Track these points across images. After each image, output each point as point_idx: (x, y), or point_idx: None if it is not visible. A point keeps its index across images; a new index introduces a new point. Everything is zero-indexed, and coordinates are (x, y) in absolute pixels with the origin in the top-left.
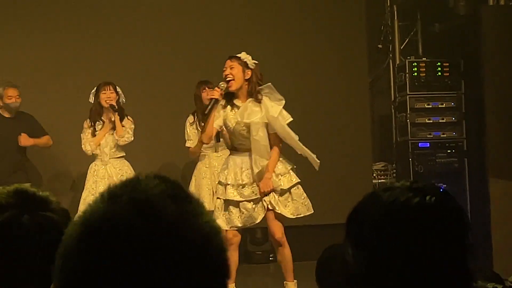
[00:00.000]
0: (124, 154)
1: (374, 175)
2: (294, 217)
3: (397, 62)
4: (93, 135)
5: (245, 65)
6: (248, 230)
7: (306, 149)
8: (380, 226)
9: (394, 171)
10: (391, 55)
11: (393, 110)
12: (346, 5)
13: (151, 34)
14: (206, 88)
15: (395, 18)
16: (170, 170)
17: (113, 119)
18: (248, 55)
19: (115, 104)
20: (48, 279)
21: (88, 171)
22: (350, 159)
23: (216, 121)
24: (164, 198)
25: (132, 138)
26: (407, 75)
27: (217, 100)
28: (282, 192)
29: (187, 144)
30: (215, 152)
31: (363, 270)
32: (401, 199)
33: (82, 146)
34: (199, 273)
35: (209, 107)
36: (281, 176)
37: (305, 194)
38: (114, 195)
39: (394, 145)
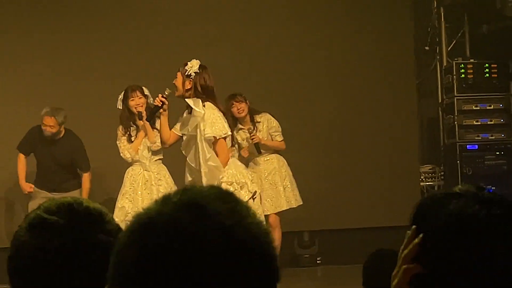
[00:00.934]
0: (162, 157)
1: (422, 177)
2: None
3: (444, 64)
4: (130, 141)
5: (186, 75)
6: (296, 233)
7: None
8: (445, 238)
9: (442, 173)
10: (438, 57)
11: (440, 112)
12: (393, 7)
13: (186, 39)
14: (234, 103)
15: (442, 19)
16: None
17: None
18: (196, 63)
19: (143, 110)
20: None
21: (125, 176)
22: (397, 162)
23: (176, 126)
24: (214, 199)
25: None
26: (454, 77)
27: (157, 107)
28: None
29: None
30: (261, 156)
31: (429, 278)
32: (468, 211)
33: (121, 154)
34: (248, 274)
35: (150, 113)
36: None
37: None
38: (166, 198)
39: (441, 148)
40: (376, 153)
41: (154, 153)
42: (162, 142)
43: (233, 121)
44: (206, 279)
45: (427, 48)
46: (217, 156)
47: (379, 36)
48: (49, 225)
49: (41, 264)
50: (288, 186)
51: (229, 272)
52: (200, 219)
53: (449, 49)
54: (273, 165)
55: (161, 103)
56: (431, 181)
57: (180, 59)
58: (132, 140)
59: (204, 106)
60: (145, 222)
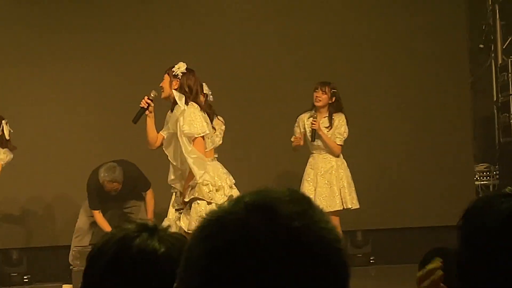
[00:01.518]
0: (216, 156)
1: (477, 176)
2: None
3: (499, 61)
4: None
5: (173, 76)
6: (349, 232)
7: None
8: (497, 237)
9: (497, 172)
10: (493, 55)
11: (495, 111)
12: (448, 5)
13: (242, 38)
14: (316, 90)
15: (497, 17)
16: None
17: None
18: (183, 65)
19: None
20: None
21: None
22: (451, 161)
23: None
24: (285, 202)
25: (221, 142)
26: (509, 74)
27: (143, 108)
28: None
29: (292, 139)
30: (320, 154)
31: (479, 276)
32: None
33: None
34: (315, 279)
35: (136, 115)
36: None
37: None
38: (239, 197)
39: (497, 146)
40: (431, 152)
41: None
42: (149, 144)
43: (313, 107)
44: (271, 281)
45: (481, 46)
46: None
47: (433, 35)
48: None
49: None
50: (345, 187)
51: (294, 275)
52: (269, 220)
53: (504, 46)
54: (331, 164)
55: (146, 104)
56: (486, 180)
57: (234, 57)
58: None
59: (186, 104)
60: (216, 220)
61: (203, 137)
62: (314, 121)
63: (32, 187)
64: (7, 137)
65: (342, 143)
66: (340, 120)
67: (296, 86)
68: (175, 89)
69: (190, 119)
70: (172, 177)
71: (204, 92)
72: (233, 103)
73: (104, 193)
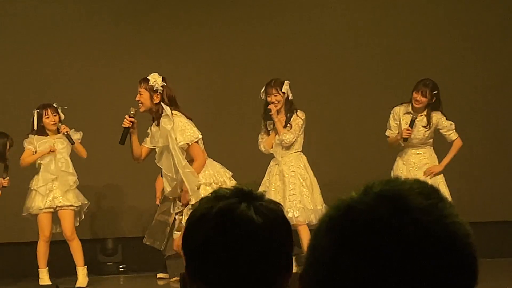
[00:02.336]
0: (298, 149)
1: None
2: None
3: None
4: (267, 134)
5: (152, 90)
6: (99, 240)
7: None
8: None
9: None
10: None
11: None
12: None
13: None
14: (416, 92)
15: None
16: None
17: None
18: (158, 77)
19: (273, 109)
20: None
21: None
22: None
23: (146, 140)
24: (416, 194)
25: (294, 139)
26: None
27: (128, 128)
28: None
29: (387, 133)
30: (413, 149)
31: None
32: None
33: (259, 146)
34: (442, 273)
35: (122, 136)
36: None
37: None
38: (368, 187)
39: None
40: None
41: (287, 147)
42: (135, 158)
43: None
44: (398, 275)
45: None
46: (194, 160)
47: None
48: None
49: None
50: (443, 182)
51: (421, 268)
52: (399, 212)
53: None
54: (425, 160)
55: (130, 123)
56: None
57: (320, 51)
58: (270, 133)
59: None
60: (345, 209)
61: (197, 141)
62: (408, 130)
63: (123, 179)
64: (35, 127)
65: (456, 134)
66: (437, 118)
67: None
68: (156, 103)
69: (181, 129)
70: (169, 189)
71: (283, 91)
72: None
73: None
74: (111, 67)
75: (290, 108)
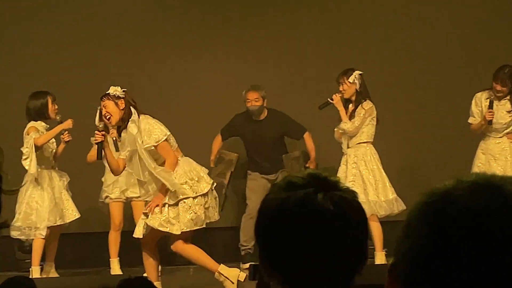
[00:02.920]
0: (364, 141)
1: None
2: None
3: None
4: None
5: (115, 97)
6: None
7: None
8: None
9: None
10: None
11: None
12: None
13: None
14: (495, 83)
15: None
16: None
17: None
18: (116, 88)
19: (335, 98)
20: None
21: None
22: None
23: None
24: (509, 183)
25: (352, 128)
26: None
27: (101, 142)
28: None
29: (470, 120)
30: (493, 138)
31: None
32: None
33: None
34: None
35: (98, 152)
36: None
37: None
38: (460, 178)
39: None
40: None
41: (352, 137)
42: (114, 171)
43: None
44: (498, 255)
45: None
46: (165, 159)
47: None
48: None
49: None
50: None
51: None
52: (496, 197)
53: None
54: (503, 147)
55: (102, 137)
56: None
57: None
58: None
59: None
60: (442, 195)
61: (166, 139)
62: (490, 111)
63: None
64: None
65: None
66: None
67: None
68: (123, 109)
69: (148, 131)
70: (143, 191)
71: (349, 81)
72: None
73: (242, 125)
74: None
75: (358, 98)
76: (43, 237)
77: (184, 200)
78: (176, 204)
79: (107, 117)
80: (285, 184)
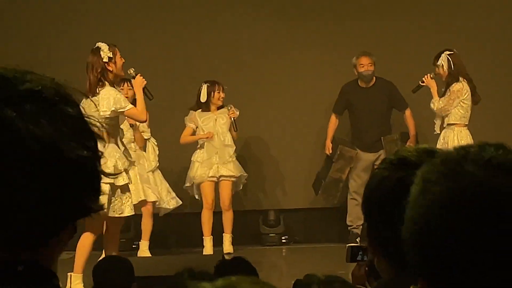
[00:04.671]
0: (452, 122)
1: None
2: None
3: None
4: None
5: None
6: (261, 212)
7: None
8: None
9: None
10: None
11: None
12: None
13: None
14: None
15: None
16: None
17: None
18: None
19: (426, 78)
20: None
21: None
22: None
23: None
24: None
25: (441, 107)
26: None
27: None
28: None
29: None
30: None
31: None
32: None
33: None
34: None
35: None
36: None
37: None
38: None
39: None
40: None
41: (444, 117)
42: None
43: None
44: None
45: None
46: None
47: None
48: None
49: None
50: None
51: None
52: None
53: None
54: None
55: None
56: None
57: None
58: None
59: None
60: (457, 154)
61: None
62: None
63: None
64: (203, 100)
65: None
66: None
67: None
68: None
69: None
70: None
71: (438, 63)
72: None
73: (352, 94)
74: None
75: (449, 79)
76: None
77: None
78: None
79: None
80: (398, 160)
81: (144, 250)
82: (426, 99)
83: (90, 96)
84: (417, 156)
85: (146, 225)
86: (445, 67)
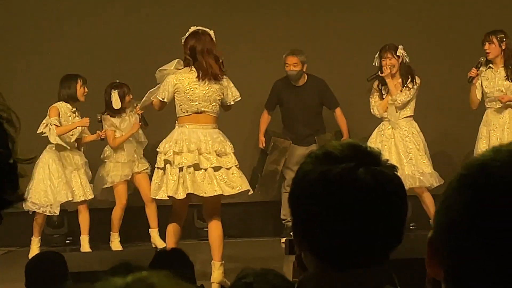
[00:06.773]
0: (410, 114)
1: None
2: None
3: None
4: (381, 98)
5: None
6: (195, 206)
7: None
8: None
9: None
10: None
11: None
12: None
13: None
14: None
15: None
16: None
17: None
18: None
19: (386, 71)
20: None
21: (376, 130)
22: None
23: None
24: None
25: (407, 99)
26: None
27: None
28: None
29: None
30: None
31: None
32: None
33: (371, 109)
34: None
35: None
36: None
37: None
38: (496, 147)
39: None
40: None
41: (403, 110)
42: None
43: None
44: None
45: None
46: None
47: None
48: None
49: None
50: None
51: None
52: None
53: None
54: (503, 120)
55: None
56: None
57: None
58: (383, 97)
59: None
60: (479, 167)
61: None
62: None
63: None
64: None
65: None
66: None
67: None
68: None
69: None
70: None
71: (397, 55)
72: None
73: (283, 90)
74: None
75: (405, 72)
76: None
77: None
78: None
79: None
80: (323, 154)
81: (84, 246)
82: (357, 100)
83: None
84: (341, 150)
85: (84, 220)
86: (405, 59)
